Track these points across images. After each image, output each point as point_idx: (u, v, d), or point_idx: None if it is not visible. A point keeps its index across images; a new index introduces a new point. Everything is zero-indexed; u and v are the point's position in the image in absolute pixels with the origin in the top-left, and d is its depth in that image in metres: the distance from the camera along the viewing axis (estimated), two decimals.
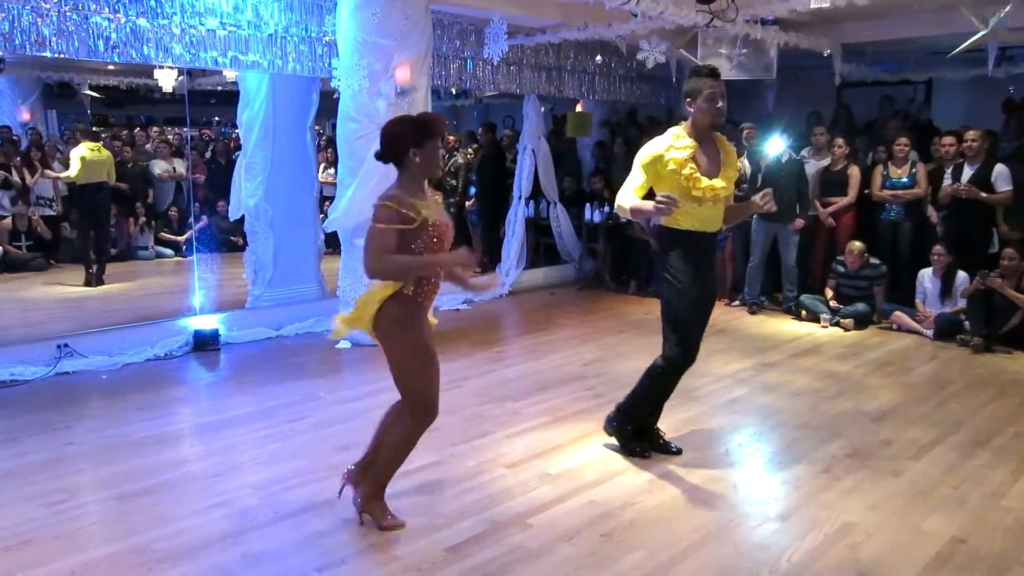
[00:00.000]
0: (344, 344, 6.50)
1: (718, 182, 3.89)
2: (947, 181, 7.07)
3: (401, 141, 3.17)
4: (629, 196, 3.96)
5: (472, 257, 3.27)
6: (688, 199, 3.86)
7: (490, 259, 9.47)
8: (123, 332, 6.18)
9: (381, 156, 3.25)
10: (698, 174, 3.85)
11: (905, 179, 7.46)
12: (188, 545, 3.25)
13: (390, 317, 3.23)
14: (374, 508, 3.41)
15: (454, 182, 10.07)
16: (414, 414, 3.32)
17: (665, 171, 3.88)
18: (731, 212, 4.18)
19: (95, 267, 8.47)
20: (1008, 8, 5.59)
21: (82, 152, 8.42)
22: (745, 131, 8.14)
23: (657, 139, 4.00)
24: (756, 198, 3.99)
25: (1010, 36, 5.93)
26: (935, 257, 6.92)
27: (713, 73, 3.92)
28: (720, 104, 3.90)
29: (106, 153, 8.79)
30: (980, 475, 4.00)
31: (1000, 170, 6.85)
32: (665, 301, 4.08)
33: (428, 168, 3.24)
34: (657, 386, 4.16)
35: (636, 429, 4.25)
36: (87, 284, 8.39)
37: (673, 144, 3.90)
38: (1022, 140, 7.63)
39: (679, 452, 4.24)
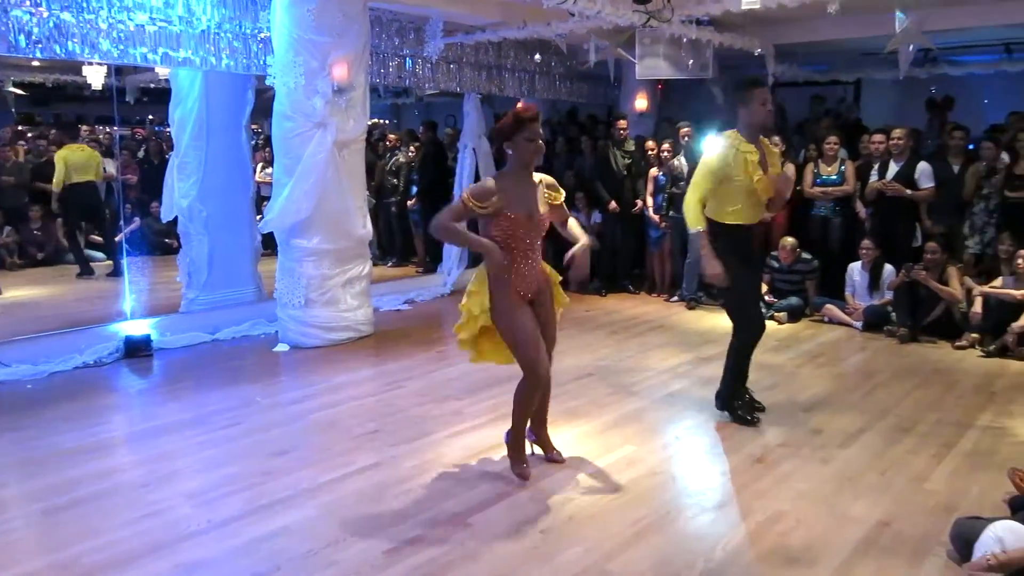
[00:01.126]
0: (282, 347, 6.42)
1: (770, 178, 4.45)
2: (874, 178, 7.30)
3: (496, 138, 3.77)
4: (692, 209, 4.47)
5: (499, 255, 3.63)
6: (748, 198, 4.39)
7: (431, 258, 9.44)
8: (50, 339, 5.99)
9: (497, 159, 3.81)
10: (761, 174, 4.39)
11: (835, 176, 7.67)
12: (118, 557, 3.16)
13: (492, 300, 3.75)
14: (512, 455, 3.94)
15: (395, 181, 10.01)
16: (524, 375, 3.77)
17: (731, 174, 4.35)
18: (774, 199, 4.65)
19: (84, 264, 8.90)
20: (909, 16, 5.82)
21: (64, 155, 8.55)
22: (682, 130, 8.27)
23: (717, 145, 4.46)
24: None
25: (921, 39, 6.14)
26: (863, 251, 7.14)
27: (761, 82, 4.49)
28: (771, 108, 4.48)
29: (90, 151, 8.89)
30: (904, 460, 4.15)
31: (923, 167, 7.10)
32: (725, 289, 4.62)
33: (522, 158, 3.70)
34: (739, 362, 4.76)
35: (738, 399, 4.78)
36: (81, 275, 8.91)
37: (738, 147, 4.38)
38: (943, 138, 7.91)
39: (764, 409, 4.85)
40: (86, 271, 8.99)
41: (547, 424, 4.15)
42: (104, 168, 9.53)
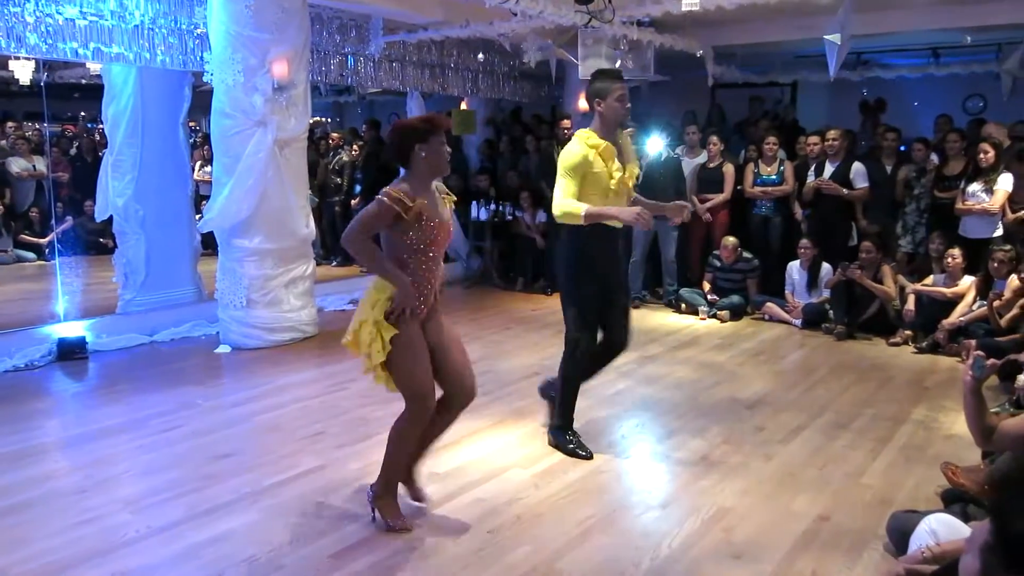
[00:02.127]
0: (223, 349, 6.29)
1: (628, 176, 4.22)
2: (811, 178, 7.48)
3: (407, 139, 3.26)
4: (577, 202, 4.04)
5: (412, 299, 3.22)
6: (602, 195, 4.08)
7: None
8: None
9: (391, 158, 3.37)
10: (620, 170, 4.14)
11: (774, 176, 7.84)
12: (50, 567, 3.05)
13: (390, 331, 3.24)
14: (383, 506, 3.40)
15: (339, 180, 9.89)
16: (407, 407, 3.33)
17: (591, 171, 4.08)
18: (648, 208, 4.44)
19: None
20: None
21: None
22: (625, 131, 8.32)
23: (573, 144, 4.17)
24: (672, 205, 4.51)
25: (843, 47, 6.30)
26: (801, 250, 7.31)
27: (620, 76, 4.23)
28: (628, 104, 4.21)
29: None
30: (842, 455, 4.26)
31: (857, 168, 7.30)
32: (566, 292, 4.26)
33: (435, 164, 3.30)
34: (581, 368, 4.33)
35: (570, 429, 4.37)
36: None
37: (590, 145, 4.11)
38: (877, 139, 8.15)
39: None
40: None
41: (418, 462, 3.62)
42: (12, 167, 9.19)
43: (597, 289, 4.18)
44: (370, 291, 3.32)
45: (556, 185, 4.12)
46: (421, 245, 3.26)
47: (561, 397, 4.33)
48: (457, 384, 3.46)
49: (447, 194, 3.51)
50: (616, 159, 4.15)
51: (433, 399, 3.36)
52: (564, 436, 4.30)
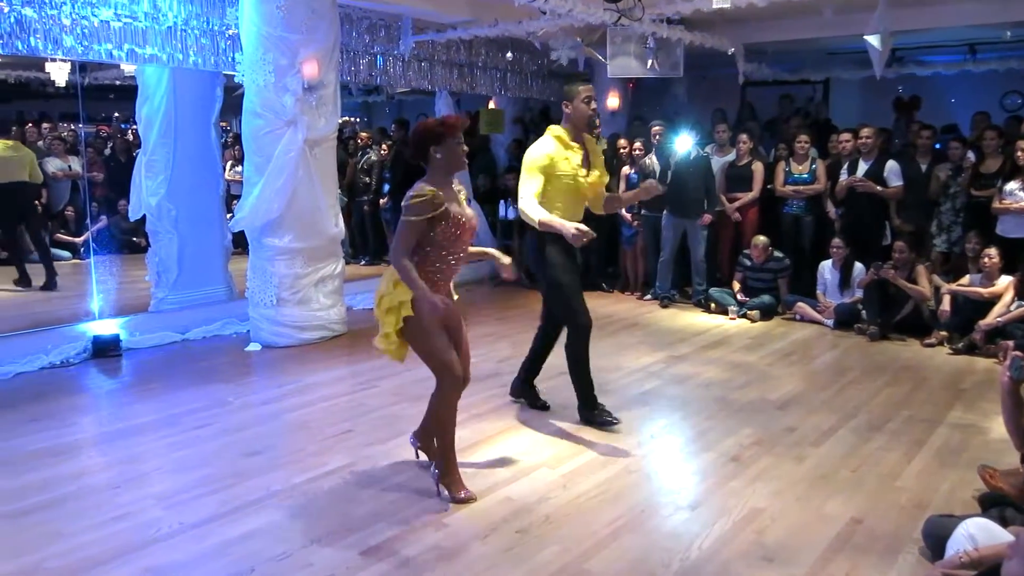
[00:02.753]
0: (254, 347, 6.34)
1: (594, 178, 4.31)
2: (843, 176, 7.38)
3: (422, 142, 3.50)
4: (537, 207, 4.21)
5: (439, 309, 3.37)
6: (566, 194, 4.23)
7: None
8: (14, 339, 5.85)
9: (411, 157, 3.61)
10: (585, 172, 4.25)
11: (806, 175, 7.74)
12: (85, 562, 3.10)
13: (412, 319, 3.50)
14: (448, 482, 3.64)
15: (368, 179, 9.94)
16: (438, 381, 3.59)
17: (556, 171, 4.17)
18: (611, 202, 4.65)
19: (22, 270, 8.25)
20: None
21: None
22: (654, 129, 8.30)
23: (541, 142, 4.30)
24: (644, 185, 4.48)
25: (887, 44, 6.22)
26: (834, 249, 7.21)
27: (587, 78, 4.41)
28: (595, 106, 4.31)
29: (24, 151, 8.33)
30: (876, 457, 4.19)
31: (891, 166, 7.19)
32: (551, 287, 4.47)
33: (451, 163, 3.52)
34: (579, 362, 4.56)
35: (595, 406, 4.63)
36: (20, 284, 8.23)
37: (560, 145, 4.22)
38: (911, 137, 8.02)
39: (548, 407, 4.85)
40: (24, 282, 8.22)
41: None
42: (48, 167, 9.28)
43: (575, 274, 4.44)
44: (386, 298, 3.57)
45: (521, 182, 4.28)
46: (449, 240, 3.50)
47: (578, 379, 4.58)
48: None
49: (460, 187, 3.70)
50: (583, 161, 4.29)
51: (459, 367, 3.58)
52: (592, 412, 4.59)
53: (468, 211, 3.63)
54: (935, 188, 7.31)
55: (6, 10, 5.22)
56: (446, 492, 3.63)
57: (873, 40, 5.94)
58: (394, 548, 3.22)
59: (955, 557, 2.81)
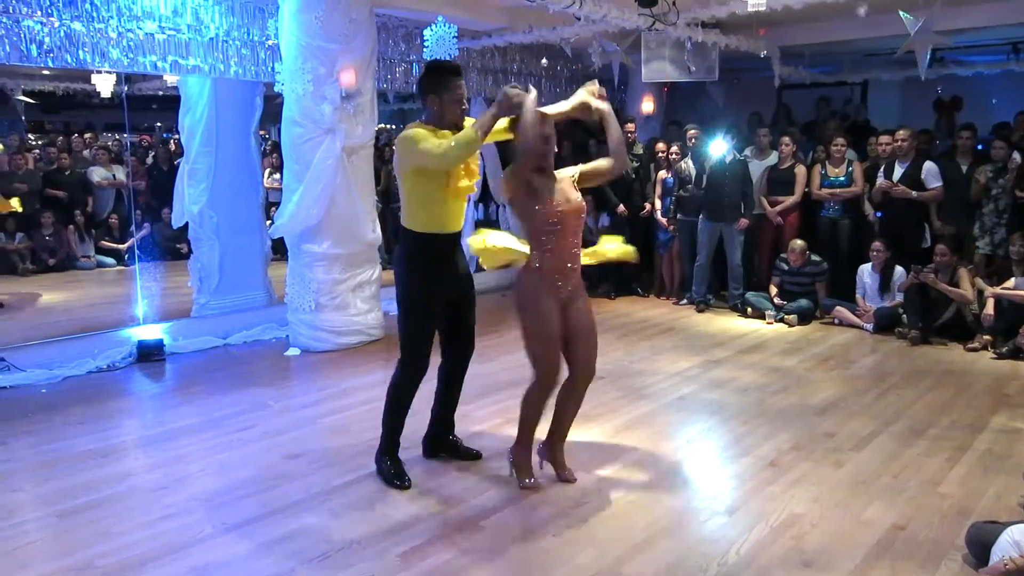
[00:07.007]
0: (293, 351, 6.44)
1: (464, 182, 3.77)
2: (880, 179, 7.28)
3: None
4: (458, 137, 3.58)
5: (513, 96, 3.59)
6: (437, 192, 3.69)
7: None
8: (63, 344, 6.01)
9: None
10: (463, 174, 3.73)
11: (842, 178, 7.66)
12: (132, 560, 3.18)
13: (520, 287, 3.75)
14: (517, 466, 3.83)
15: None
16: (535, 376, 3.70)
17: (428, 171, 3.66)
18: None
19: None
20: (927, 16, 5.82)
21: None
22: (689, 133, 8.27)
23: (414, 131, 3.65)
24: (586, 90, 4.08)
25: (936, 39, 6.13)
26: (873, 253, 7.11)
27: (458, 71, 3.70)
28: (466, 105, 3.77)
29: None
30: (918, 463, 4.13)
31: (929, 167, 7.08)
32: (404, 312, 4.03)
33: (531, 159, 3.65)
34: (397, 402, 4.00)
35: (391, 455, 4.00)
36: None
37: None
38: (952, 139, 7.88)
39: (479, 456, 4.19)
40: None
41: (564, 441, 3.94)
42: (93, 176, 9.64)
43: (436, 307, 4.05)
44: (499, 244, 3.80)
45: (423, 149, 3.57)
46: (554, 221, 3.60)
47: (391, 419, 4.02)
48: (579, 365, 3.85)
49: (565, 177, 3.78)
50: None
51: (559, 372, 3.69)
52: (384, 460, 3.98)
53: (574, 196, 3.70)
54: (976, 189, 7.18)
55: (56, 25, 5.39)
56: (513, 474, 3.81)
57: (918, 43, 5.89)
58: (433, 549, 3.25)
59: (999, 564, 2.77)
